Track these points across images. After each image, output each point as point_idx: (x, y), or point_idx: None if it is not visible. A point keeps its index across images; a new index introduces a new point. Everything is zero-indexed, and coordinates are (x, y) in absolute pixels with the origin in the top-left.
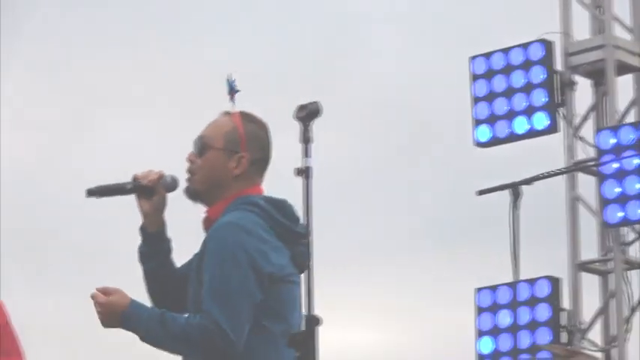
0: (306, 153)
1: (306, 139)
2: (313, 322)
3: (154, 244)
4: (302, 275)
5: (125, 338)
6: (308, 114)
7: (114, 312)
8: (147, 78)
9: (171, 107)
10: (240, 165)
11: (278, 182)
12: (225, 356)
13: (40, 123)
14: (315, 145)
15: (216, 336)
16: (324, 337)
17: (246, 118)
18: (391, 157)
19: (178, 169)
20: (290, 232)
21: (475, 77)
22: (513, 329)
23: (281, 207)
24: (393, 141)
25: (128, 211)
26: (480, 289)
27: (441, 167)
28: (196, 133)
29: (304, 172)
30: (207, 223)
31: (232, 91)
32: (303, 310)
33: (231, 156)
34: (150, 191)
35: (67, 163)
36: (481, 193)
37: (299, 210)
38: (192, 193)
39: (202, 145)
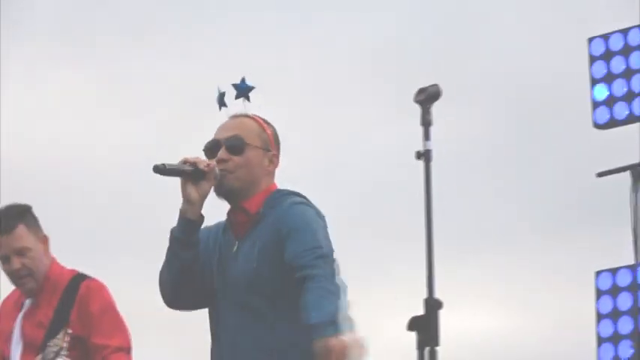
0: (426, 136)
1: (426, 122)
2: (434, 305)
3: (193, 234)
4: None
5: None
6: (428, 97)
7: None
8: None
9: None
10: (272, 163)
11: (398, 166)
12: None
13: None
14: (435, 127)
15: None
16: (444, 321)
17: (264, 120)
18: (509, 139)
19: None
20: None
21: (593, 59)
22: (633, 312)
23: None
24: (512, 123)
25: None
26: (599, 272)
27: (560, 149)
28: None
29: (424, 155)
30: (245, 216)
31: (222, 103)
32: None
33: (266, 154)
34: (202, 177)
35: None
36: (601, 175)
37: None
38: (228, 191)
39: (241, 145)
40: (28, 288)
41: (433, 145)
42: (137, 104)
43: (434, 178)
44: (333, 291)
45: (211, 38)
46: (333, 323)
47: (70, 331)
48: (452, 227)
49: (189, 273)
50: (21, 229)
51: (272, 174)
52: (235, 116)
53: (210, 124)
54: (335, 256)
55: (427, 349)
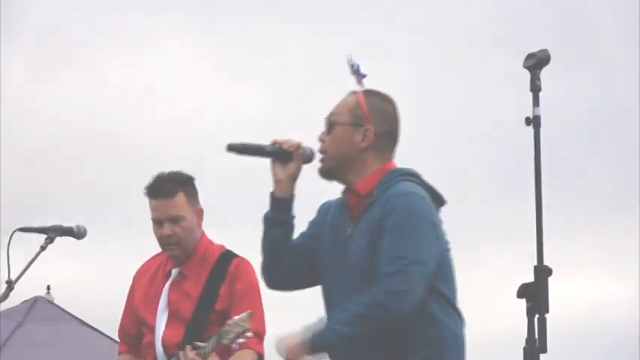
0: (536, 102)
1: (535, 88)
2: (544, 272)
3: (282, 213)
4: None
5: None
6: (537, 62)
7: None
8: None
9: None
10: (366, 138)
11: (506, 133)
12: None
13: None
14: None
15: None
16: (552, 288)
17: (370, 93)
18: (617, 105)
19: None
20: (440, 200)
21: None
22: None
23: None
24: (619, 88)
25: None
26: None
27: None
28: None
29: (534, 122)
30: (356, 197)
31: (358, 75)
32: (534, 261)
33: (357, 129)
34: (287, 157)
35: None
36: None
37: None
38: (326, 172)
39: (330, 123)
40: (174, 255)
41: (542, 111)
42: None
43: (551, 145)
44: (363, 317)
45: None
46: (319, 341)
47: (218, 307)
48: (562, 197)
49: (281, 252)
50: (179, 198)
51: (374, 149)
52: (350, 92)
53: (319, 98)
54: (427, 256)
55: (537, 316)
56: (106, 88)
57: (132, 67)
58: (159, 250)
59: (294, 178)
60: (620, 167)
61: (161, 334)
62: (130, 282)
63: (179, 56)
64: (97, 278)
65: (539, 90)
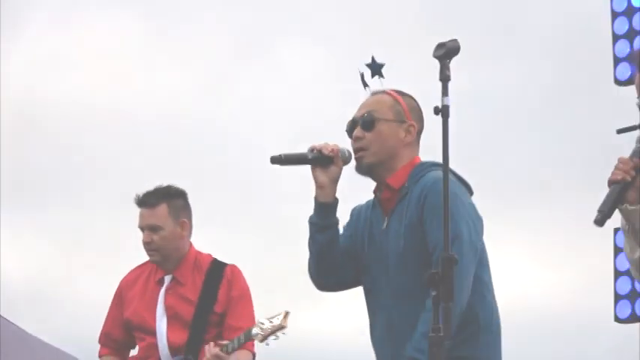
0: (445, 92)
1: (444, 78)
2: (450, 261)
3: (327, 217)
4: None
5: None
6: (447, 52)
7: None
8: None
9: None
10: (409, 133)
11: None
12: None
13: None
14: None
15: None
16: None
17: (401, 92)
18: (534, 95)
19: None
20: (469, 189)
21: (615, 15)
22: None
23: None
24: (537, 79)
25: None
26: (618, 230)
27: (582, 105)
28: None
29: (442, 111)
30: (390, 192)
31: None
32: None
33: (401, 125)
34: (328, 162)
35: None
36: (620, 131)
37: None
38: (367, 168)
39: (371, 120)
40: (155, 260)
41: (450, 100)
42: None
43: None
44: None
45: None
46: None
47: (217, 309)
48: (485, 183)
49: (329, 254)
50: (162, 209)
51: (412, 145)
52: (372, 93)
53: (251, 74)
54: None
55: (442, 305)
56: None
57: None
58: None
59: (336, 181)
60: (538, 156)
61: (164, 336)
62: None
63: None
64: None
65: (449, 80)
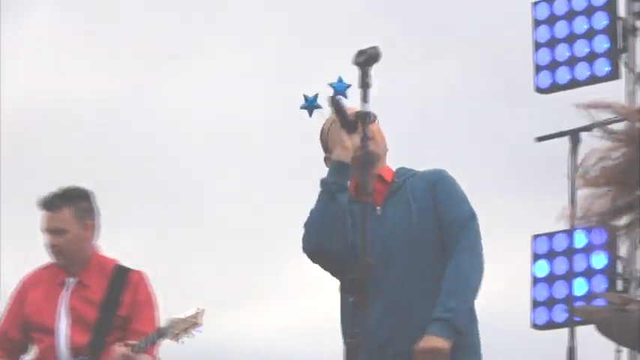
0: (365, 98)
1: (364, 85)
2: (369, 268)
3: (348, 178)
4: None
5: None
6: (367, 59)
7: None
8: None
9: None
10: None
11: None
12: None
13: None
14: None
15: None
16: None
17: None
18: (453, 101)
19: None
20: None
21: (537, 23)
22: (569, 276)
23: None
24: (455, 85)
25: None
26: (536, 236)
27: (502, 114)
28: None
29: (363, 117)
30: (382, 183)
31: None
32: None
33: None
34: (354, 129)
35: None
36: (540, 139)
37: None
38: (377, 156)
39: (372, 115)
40: (59, 263)
41: (370, 107)
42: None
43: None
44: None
45: None
46: (453, 326)
47: (121, 313)
48: None
49: (341, 219)
50: (65, 212)
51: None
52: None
53: (179, 75)
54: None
55: (360, 312)
56: None
57: None
58: None
59: (355, 149)
60: (463, 160)
61: (64, 338)
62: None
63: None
64: None
65: (369, 87)
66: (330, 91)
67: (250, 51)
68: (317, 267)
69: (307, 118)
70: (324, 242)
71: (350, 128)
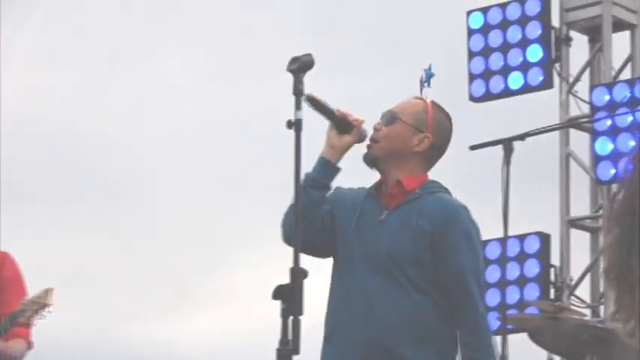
0: (298, 105)
1: (297, 92)
2: (300, 274)
3: (326, 176)
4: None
5: None
6: (300, 66)
7: None
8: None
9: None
10: (422, 144)
11: (272, 135)
12: None
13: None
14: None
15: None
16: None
17: (437, 106)
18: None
19: None
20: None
21: (471, 32)
22: (502, 284)
23: None
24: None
25: None
26: (488, 241)
27: None
28: None
29: (295, 125)
30: (398, 190)
31: (426, 82)
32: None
33: (416, 133)
34: (347, 129)
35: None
36: (473, 148)
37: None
38: (371, 159)
39: (391, 117)
40: None
41: (304, 114)
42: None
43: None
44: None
45: None
46: None
47: None
48: None
49: (313, 213)
50: None
51: (424, 157)
52: (415, 97)
53: (130, 78)
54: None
55: (291, 318)
56: None
57: None
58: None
59: (344, 149)
60: None
61: None
62: None
63: None
64: None
65: (302, 94)
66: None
67: (203, 51)
68: (255, 273)
69: (259, 119)
70: (292, 233)
71: (343, 128)
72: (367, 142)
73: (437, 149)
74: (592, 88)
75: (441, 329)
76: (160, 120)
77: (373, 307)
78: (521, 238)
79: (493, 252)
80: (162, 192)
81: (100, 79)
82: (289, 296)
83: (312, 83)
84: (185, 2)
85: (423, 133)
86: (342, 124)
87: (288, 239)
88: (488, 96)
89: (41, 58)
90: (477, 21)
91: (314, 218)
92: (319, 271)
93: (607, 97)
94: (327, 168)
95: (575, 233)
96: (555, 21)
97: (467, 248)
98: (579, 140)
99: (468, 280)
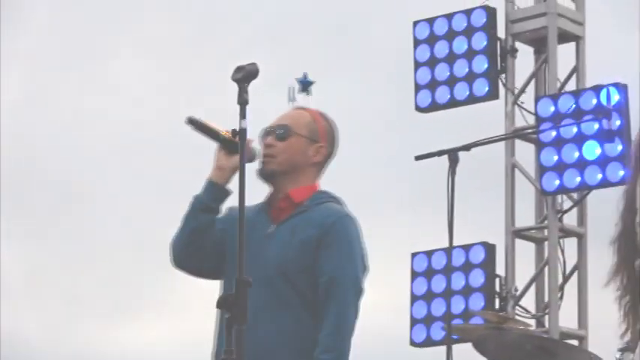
0: (242, 115)
1: (242, 101)
2: (244, 283)
3: (216, 199)
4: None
5: None
6: (245, 75)
7: None
8: None
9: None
10: (319, 154)
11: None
12: None
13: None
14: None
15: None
16: None
17: (321, 113)
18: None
19: None
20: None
21: (417, 42)
22: (447, 294)
23: None
24: (346, 101)
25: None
26: (415, 254)
27: (382, 132)
28: None
29: (240, 134)
30: (287, 203)
31: (304, 91)
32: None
33: (312, 144)
34: (236, 149)
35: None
36: (419, 158)
37: None
38: (269, 174)
39: (286, 132)
40: None
41: (248, 124)
42: None
43: None
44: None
45: None
46: None
47: None
48: None
49: (201, 237)
50: None
51: (318, 167)
52: (295, 108)
53: (76, 85)
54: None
55: (235, 328)
56: None
57: None
58: None
59: (234, 170)
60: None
61: None
62: None
63: None
64: None
65: (247, 103)
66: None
67: (154, 59)
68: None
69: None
70: (182, 259)
71: (230, 148)
72: (260, 158)
73: (329, 157)
74: (537, 99)
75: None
76: (106, 130)
77: (257, 323)
78: (467, 248)
79: (438, 262)
80: (103, 201)
81: (45, 84)
82: (234, 306)
83: (257, 94)
84: (137, 10)
85: (318, 143)
86: (231, 145)
87: (178, 263)
88: (434, 106)
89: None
90: (423, 31)
91: (203, 243)
92: None
93: (552, 109)
94: (216, 191)
95: (520, 243)
96: (501, 32)
97: (345, 255)
98: (525, 151)
99: (341, 286)
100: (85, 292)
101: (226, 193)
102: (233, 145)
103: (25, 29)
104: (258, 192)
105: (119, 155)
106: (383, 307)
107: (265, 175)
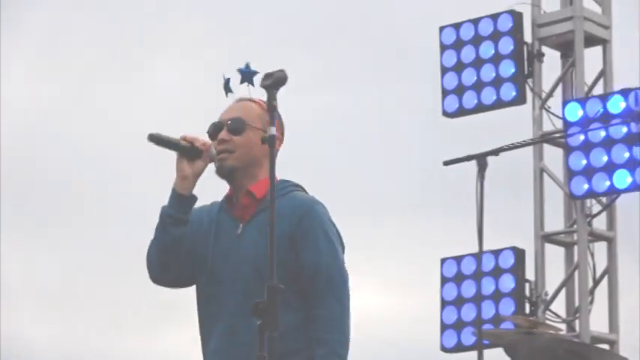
0: (271, 121)
1: (271, 108)
2: (276, 290)
3: (184, 210)
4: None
5: None
6: (274, 82)
7: None
8: None
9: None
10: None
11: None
12: None
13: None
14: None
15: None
16: None
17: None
18: (361, 123)
19: None
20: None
21: (444, 47)
22: (477, 299)
23: None
24: (362, 108)
25: None
26: (445, 260)
27: (409, 137)
28: None
29: (269, 140)
30: (249, 200)
31: (249, 82)
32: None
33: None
34: (197, 155)
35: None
36: (447, 163)
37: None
38: (229, 170)
39: (241, 125)
40: None
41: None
42: None
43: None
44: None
45: None
46: None
47: None
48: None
49: (177, 250)
50: None
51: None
52: (239, 100)
53: (115, 88)
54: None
55: (267, 335)
56: None
57: None
58: None
59: (198, 175)
60: (373, 182)
61: None
62: None
63: None
64: None
65: (275, 109)
66: (235, 77)
67: (189, 64)
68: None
69: None
70: (159, 272)
71: (191, 155)
72: (220, 155)
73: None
74: (565, 103)
75: (302, 340)
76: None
77: (237, 327)
78: (496, 253)
79: (468, 267)
80: (103, 201)
81: (84, 88)
82: (265, 312)
83: (285, 98)
84: (174, 16)
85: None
86: (191, 152)
87: (155, 279)
88: (461, 111)
89: (33, 70)
90: (449, 37)
91: (177, 256)
92: None
93: (580, 113)
94: (182, 201)
95: (549, 248)
96: (527, 36)
97: (325, 242)
98: (553, 155)
99: (328, 277)
100: (85, 292)
101: (193, 201)
102: (194, 151)
103: (25, 29)
104: (206, 190)
105: (119, 155)
106: (413, 313)
107: (225, 172)
